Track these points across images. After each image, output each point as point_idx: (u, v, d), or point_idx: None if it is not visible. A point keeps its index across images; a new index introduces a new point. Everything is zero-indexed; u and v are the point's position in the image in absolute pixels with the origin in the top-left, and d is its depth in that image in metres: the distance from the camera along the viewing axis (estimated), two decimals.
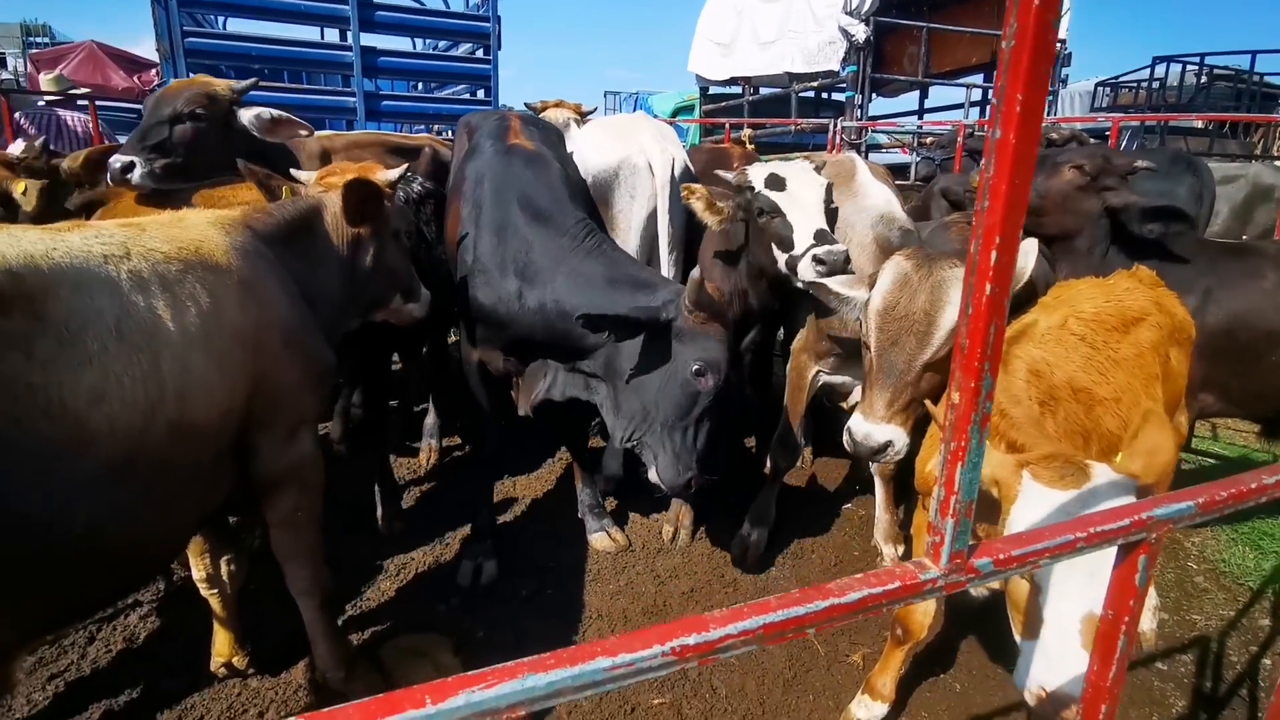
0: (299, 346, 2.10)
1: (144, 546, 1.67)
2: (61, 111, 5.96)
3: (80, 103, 6.26)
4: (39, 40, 21.71)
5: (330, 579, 2.35)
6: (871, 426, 2.21)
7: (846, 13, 6.96)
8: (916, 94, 11.17)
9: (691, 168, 3.77)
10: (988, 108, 11.24)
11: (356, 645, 2.60)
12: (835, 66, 7.76)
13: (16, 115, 5.56)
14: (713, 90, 11.53)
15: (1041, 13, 0.60)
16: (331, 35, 7.91)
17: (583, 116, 4.53)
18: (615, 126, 3.93)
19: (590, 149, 3.58)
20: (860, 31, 6.86)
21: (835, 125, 6.20)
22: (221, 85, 3.15)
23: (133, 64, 15.85)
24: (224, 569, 2.35)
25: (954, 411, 0.66)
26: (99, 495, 1.45)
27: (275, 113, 3.19)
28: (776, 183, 2.85)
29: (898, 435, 2.21)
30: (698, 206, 2.94)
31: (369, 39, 6.45)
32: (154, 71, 15.58)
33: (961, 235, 3.02)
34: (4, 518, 1.28)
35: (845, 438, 2.28)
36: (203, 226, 1.96)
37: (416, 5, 7.20)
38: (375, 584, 3.02)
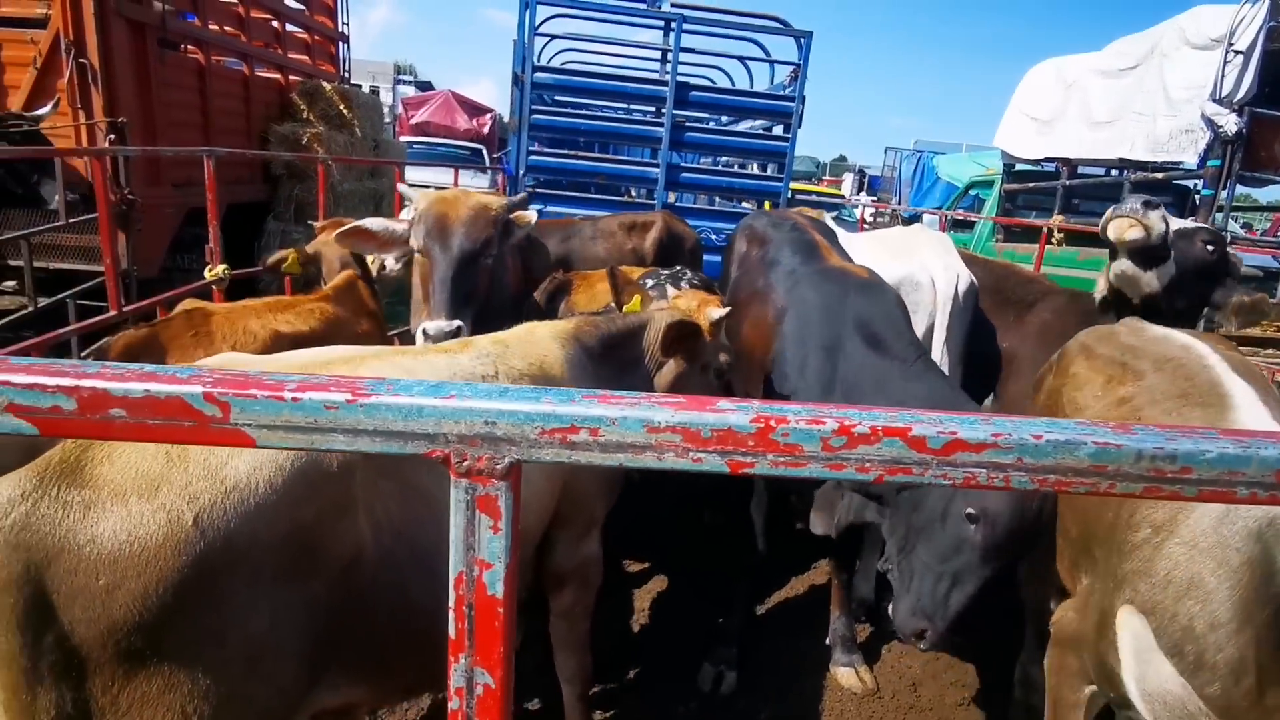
0: None
1: None
2: None
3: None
4: (405, 79, 27.08)
5: (593, 669, 2.48)
6: None
7: (1214, 100, 5.91)
8: None
9: (975, 282, 3.59)
10: None
11: None
12: (1190, 159, 6.62)
13: None
14: (1020, 167, 10.47)
15: None
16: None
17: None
18: (893, 242, 3.95)
19: (871, 265, 3.51)
20: (1231, 123, 5.77)
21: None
22: (497, 206, 2.96)
23: (474, 109, 19.68)
24: None
25: None
26: None
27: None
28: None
29: None
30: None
31: (679, 114, 6.93)
32: (488, 116, 19.27)
33: None
34: (402, 609, 1.51)
35: None
36: (546, 341, 2.21)
37: (727, 85, 7.58)
38: (621, 666, 3.13)
